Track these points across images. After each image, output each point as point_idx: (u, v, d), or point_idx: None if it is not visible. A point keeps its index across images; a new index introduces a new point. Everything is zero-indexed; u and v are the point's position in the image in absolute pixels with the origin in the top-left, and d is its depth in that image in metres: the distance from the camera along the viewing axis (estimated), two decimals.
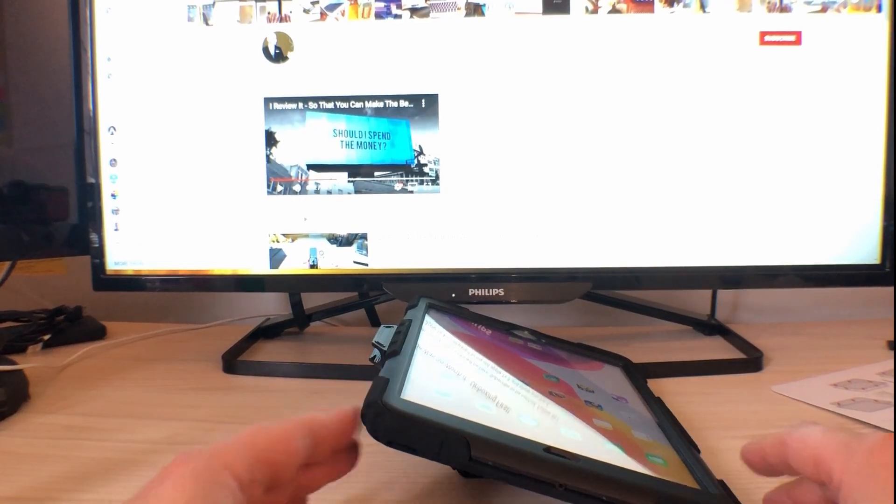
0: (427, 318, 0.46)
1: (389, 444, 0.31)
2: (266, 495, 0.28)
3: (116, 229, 0.63)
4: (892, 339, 0.65)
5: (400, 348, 0.38)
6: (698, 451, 0.38)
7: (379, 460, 0.40)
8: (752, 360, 0.60)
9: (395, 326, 0.42)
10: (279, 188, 0.62)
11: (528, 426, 0.33)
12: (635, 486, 0.30)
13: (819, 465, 0.28)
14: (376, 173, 0.61)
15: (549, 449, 0.31)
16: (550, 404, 0.38)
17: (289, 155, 0.62)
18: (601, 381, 0.47)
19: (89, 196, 0.63)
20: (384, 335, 0.41)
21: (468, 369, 0.40)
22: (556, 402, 0.39)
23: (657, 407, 0.44)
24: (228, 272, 0.63)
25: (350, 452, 0.33)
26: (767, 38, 0.59)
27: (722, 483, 0.33)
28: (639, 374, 0.51)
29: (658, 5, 0.59)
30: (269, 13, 0.61)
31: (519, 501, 0.38)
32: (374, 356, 0.40)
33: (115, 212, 0.63)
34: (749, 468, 0.32)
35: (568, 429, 0.35)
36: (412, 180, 0.61)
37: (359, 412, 0.32)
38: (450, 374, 0.38)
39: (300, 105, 0.61)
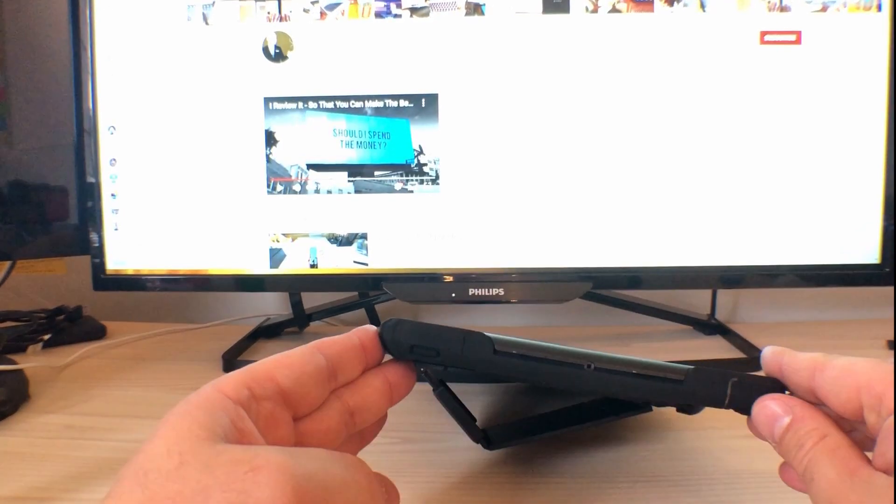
0: None
1: (412, 351, 0.31)
2: (292, 411, 0.29)
3: (116, 229, 0.63)
4: (892, 339, 0.65)
5: None
6: None
7: (381, 459, 0.40)
8: (752, 360, 0.60)
9: None
10: (279, 188, 0.62)
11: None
12: (660, 367, 0.31)
13: (867, 392, 0.27)
14: (376, 173, 0.61)
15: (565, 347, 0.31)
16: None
17: (289, 155, 0.62)
18: None
19: (89, 196, 0.63)
20: None
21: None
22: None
23: None
24: (228, 272, 0.63)
25: (399, 374, 0.33)
26: (767, 37, 0.59)
27: None
28: None
29: (658, 5, 0.59)
30: (268, 13, 0.61)
31: (527, 501, 0.38)
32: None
33: (115, 211, 0.63)
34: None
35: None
36: (412, 180, 0.61)
37: (372, 330, 0.32)
38: None
39: (300, 105, 0.61)
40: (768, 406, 0.30)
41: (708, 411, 0.49)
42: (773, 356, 0.31)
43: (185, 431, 0.24)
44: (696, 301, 0.77)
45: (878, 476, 0.25)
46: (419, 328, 0.31)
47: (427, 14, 0.60)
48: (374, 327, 0.32)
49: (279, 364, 0.29)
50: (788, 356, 0.30)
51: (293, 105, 0.61)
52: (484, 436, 0.39)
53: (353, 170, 0.61)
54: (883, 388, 0.26)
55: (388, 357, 0.33)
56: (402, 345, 0.31)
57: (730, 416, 0.49)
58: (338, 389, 0.31)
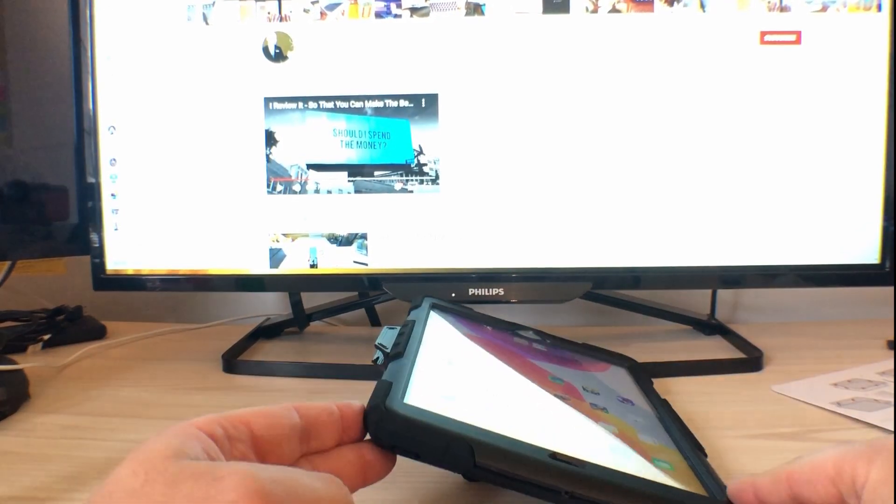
0: (431, 318, 0.46)
1: (392, 449, 0.31)
2: (261, 460, 0.28)
3: (116, 229, 0.63)
4: (892, 338, 0.65)
5: (403, 350, 0.38)
6: (705, 455, 0.37)
7: None
8: (752, 360, 0.60)
9: (399, 328, 0.42)
10: (279, 188, 0.62)
11: (534, 430, 0.33)
12: (642, 493, 0.30)
13: (839, 481, 0.26)
14: (376, 173, 0.61)
15: (554, 455, 0.30)
16: (556, 407, 0.38)
17: (289, 154, 0.61)
18: (607, 382, 0.47)
19: (89, 196, 0.63)
20: (387, 337, 0.41)
21: (473, 371, 0.40)
22: (562, 405, 0.38)
23: (663, 409, 0.44)
24: (228, 272, 0.63)
25: (376, 455, 0.32)
26: (767, 37, 0.59)
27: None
28: (645, 375, 0.51)
29: (658, 5, 0.59)
30: (268, 13, 0.61)
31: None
32: (377, 358, 0.39)
33: (115, 211, 0.63)
34: None
35: (574, 433, 0.35)
36: (412, 180, 0.61)
37: (356, 407, 0.31)
38: (454, 377, 0.37)
39: (300, 105, 0.61)
40: None
41: (709, 411, 0.50)
42: (742, 490, 0.30)
43: (153, 453, 0.24)
44: (696, 301, 0.77)
45: None
46: (403, 427, 0.30)
47: (427, 14, 0.60)
48: (358, 404, 0.32)
49: (255, 413, 0.29)
50: (758, 482, 0.29)
51: (293, 105, 0.61)
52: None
53: (353, 170, 0.61)
54: (851, 470, 0.26)
55: None
56: (384, 442, 0.31)
57: (730, 416, 0.49)
58: (310, 454, 0.31)
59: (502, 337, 0.49)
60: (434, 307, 0.49)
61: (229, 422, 0.28)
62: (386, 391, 0.31)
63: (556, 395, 0.40)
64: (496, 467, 0.29)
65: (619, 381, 0.49)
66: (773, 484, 0.28)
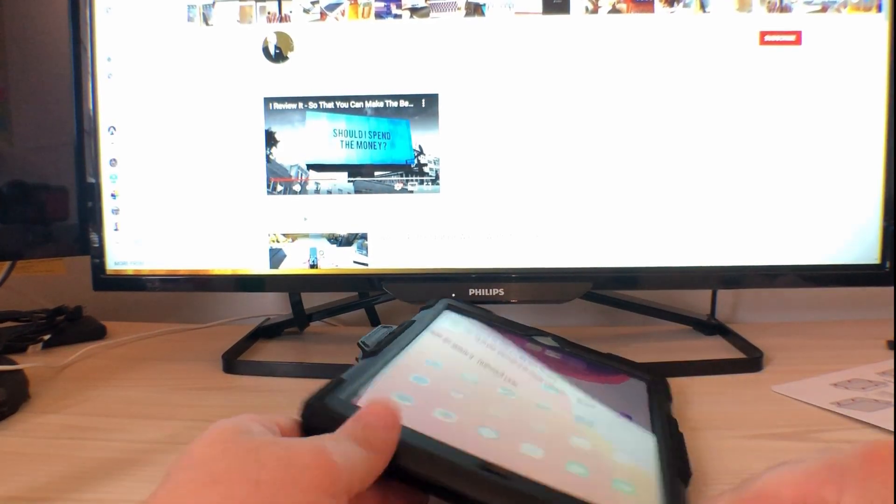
0: (440, 319, 0.46)
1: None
2: None
3: (116, 229, 0.63)
4: (892, 339, 0.65)
5: (379, 349, 0.37)
6: (687, 480, 0.36)
7: None
8: (752, 360, 0.60)
9: (393, 328, 0.42)
10: (279, 188, 0.62)
11: (484, 439, 0.32)
12: None
13: (809, 499, 0.23)
14: (376, 173, 0.61)
15: (486, 465, 0.29)
16: (529, 417, 0.37)
17: (289, 155, 0.62)
18: (614, 395, 0.45)
19: (89, 196, 0.63)
20: (373, 336, 0.41)
21: (453, 377, 0.39)
22: (538, 415, 0.37)
23: (667, 428, 0.42)
24: (228, 272, 0.63)
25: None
26: (767, 37, 0.59)
27: None
28: (664, 390, 0.49)
29: (658, 5, 0.59)
30: (269, 13, 0.61)
31: None
32: (359, 357, 0.39)
33: (115, 212, 0.63)
34: None
35: (532, 445, 0.33)
36: (412, 180, 0.61)
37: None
38: (421, 380, 0.37)
39: (300, 105, 0.61)
40: None
41: (709, 411, 0.50)
42: None
43: (225, 430, 0.27)
44: (696, 301, 0.77)
45: None
46: (330, 424, 0.29)
47: (427, 14, 0.60)
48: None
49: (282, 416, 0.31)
50: None
51: (293, 105, 0.61)
52: None
53: (353, 170, 0.61)
54: (816, 499, 0.23)
55: None
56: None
57: (730, 416, 0.49)
58: None
59: (514, 342, 0.48)
60: (451, 308, 0.49)
61: (267, 420, 0.30)
62: (332, 387, 0.32)
63: (538, 406, 0.39)
64: (416, 470, 0.29)
65: (629, 395, 0.47)
66: None
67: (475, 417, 0.34)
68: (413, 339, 0.41)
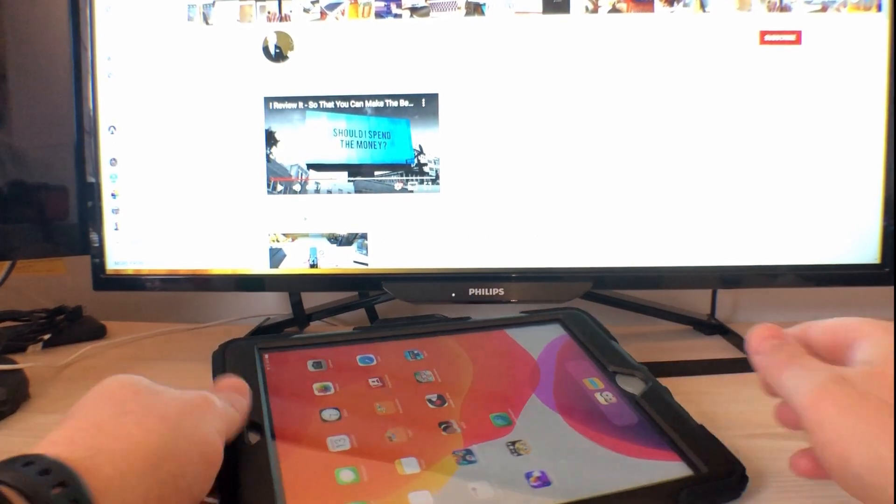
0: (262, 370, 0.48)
1: None
2: None
3: (116, 229, 0.63)
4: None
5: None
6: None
7: None
8: None
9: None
10: (279, 188, 0.62)
11: None
12: None
13: (843, 330, 0.35)
14: (376, 173, 0.61)
15: None
16: None
17: (289, 154, 0.62)
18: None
19: (89, 195, 0.63)
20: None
21: None
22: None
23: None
24: (228, 272, 0.63)
25: None
26: (767, 37, 0.59)
27: None
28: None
29: (658, 5, 0.59)
30: (269, 12, 0.61)
31: None
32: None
33: (115, 211, 0.63)
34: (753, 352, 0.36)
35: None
36: (412, 180, 0.61)
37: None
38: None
39: (300, 104, 0.61)
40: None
41: (709, 411, 0.50)
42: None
43: (118, 379, 0.35)
44: (696, 301, 0.77)
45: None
46: None
47: (427, 14, 0.60)
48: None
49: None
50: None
51: (293, 105, 0.61)
52: None
53: (353, 169, 0.61)
54: (855, 326, 0.36)
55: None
56: None
57: (730, 416, 0.49)
58: None
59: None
60: (263, 350, 0.51)
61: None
62: None
63: None
64: None
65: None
66: (796, 331, 0.37)
67: None
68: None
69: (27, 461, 0.27)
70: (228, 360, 0.48)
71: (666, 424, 0.42)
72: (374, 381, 0.46)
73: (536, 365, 0.49)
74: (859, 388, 0.30)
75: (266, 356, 0.49)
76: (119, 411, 0.31)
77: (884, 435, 0.27)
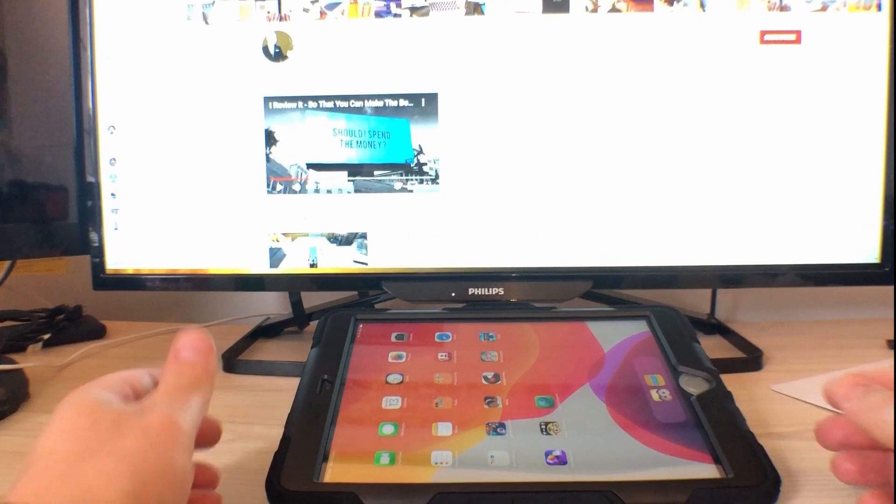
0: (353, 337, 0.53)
1: None
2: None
3: (116, 229, 0.63)
4: (892, 338, 0.65)
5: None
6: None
7: None
8: (751, 360, 0.60)
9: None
10: (279, 187, 0.62)
11: None
12: None
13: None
14: (376, 172, 0.61)
15: None
16: None
17: (289, 154, 0.61)
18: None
19: (89, 195, 0.63)
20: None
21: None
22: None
23: None
24: (228, 271, 0.63)
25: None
26: (767, 36, 0.59)
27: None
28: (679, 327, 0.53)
29: (658, 4, 0.59)
30: (268, 12, 0.61)
31: None
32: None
33: (115, 211, 0.63)
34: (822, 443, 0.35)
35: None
36: (412, 179, 0.61)
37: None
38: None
39: (300, 104, 0.61)
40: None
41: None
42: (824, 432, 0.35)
43: (90, 402, 0.32)
44: (696, 300, 0.77)
45: None
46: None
47: (427, 14, 0.60)
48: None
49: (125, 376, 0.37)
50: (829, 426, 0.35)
51: (293, 104, 0.61)
52: None
53: (353, 169, 0.61)
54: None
55: None
56: None
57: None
58: None
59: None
60: (360, 321, 0.55)
61: (119, 382, 0.35)
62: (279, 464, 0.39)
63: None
64: None
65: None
66: (845, 422, 0.34)
67: None
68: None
69: None
70: (328, 327, 0.54)
71: (711, 426, 0.42)
72: (442, 356, 0.50)
73: (603, 357, 0.50)
74: None
75: (361, 325, 0.55)
76: (79, 454, 0.29)
77: None
